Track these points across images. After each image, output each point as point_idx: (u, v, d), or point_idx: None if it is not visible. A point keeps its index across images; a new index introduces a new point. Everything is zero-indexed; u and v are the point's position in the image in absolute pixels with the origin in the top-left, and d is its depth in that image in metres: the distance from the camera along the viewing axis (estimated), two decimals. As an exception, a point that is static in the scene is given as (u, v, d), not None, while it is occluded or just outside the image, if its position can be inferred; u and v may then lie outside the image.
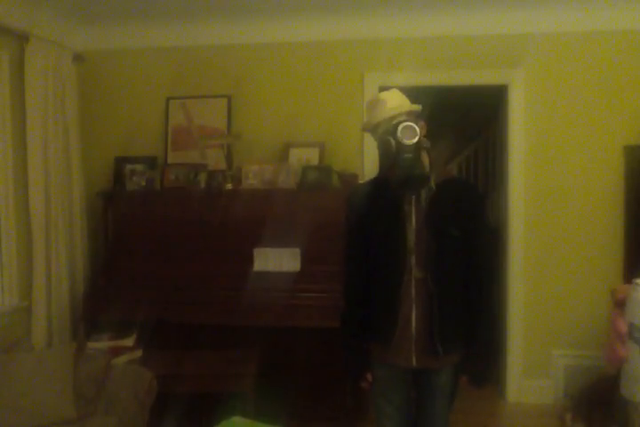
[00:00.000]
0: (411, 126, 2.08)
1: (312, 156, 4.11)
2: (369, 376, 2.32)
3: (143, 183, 4.09)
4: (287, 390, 3.49)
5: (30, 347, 3.30)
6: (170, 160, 4.30)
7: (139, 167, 4.19)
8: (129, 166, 4.18)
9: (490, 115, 5.30)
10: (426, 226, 2.15)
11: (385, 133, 2.12)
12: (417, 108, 2.22)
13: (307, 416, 3.53)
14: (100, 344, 3.48)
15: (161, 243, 3.87)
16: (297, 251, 3.72)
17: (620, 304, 2.95)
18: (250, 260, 3.73)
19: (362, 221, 2.25)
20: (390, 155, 2.11)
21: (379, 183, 2.27)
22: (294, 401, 3.46)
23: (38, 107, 3.65)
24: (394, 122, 2.11)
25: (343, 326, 2.35)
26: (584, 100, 4.07)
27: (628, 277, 3.90)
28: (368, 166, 4.08)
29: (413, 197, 2.17)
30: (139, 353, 3.52)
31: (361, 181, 3.71)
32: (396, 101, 2.19)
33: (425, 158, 2.19)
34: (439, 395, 2.28)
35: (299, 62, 4.26)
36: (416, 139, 2.09)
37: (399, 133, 2.07)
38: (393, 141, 2.08)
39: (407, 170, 2.08)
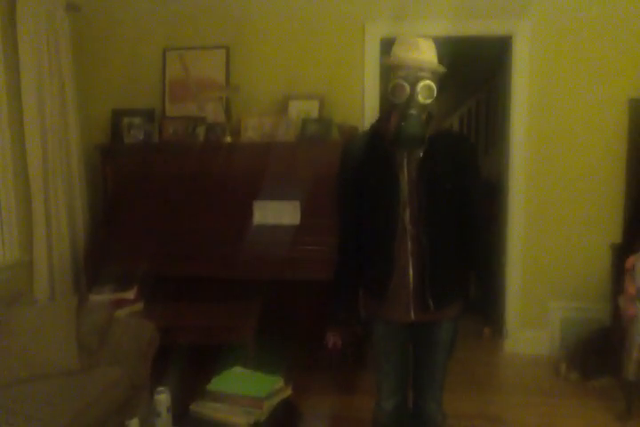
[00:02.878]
0: (431, 87, 2.05)
1: (312, 108, 4.06)
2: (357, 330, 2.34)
3: (141, 136, 4.06)
4: (287, 342, 3.54)
5: (33, 300, 3.33)
6: (168, 113, 4.25)
7: (136, 120, 4.14)
8: (126, 119, 4.13)
9: (493, 67, 5.21)
10: (419, 179, 2.12)
11: (402, 80, 2.06)
12: (443, 69, 2.14)
13: (306, 367, 3.60)
14: (102, 297, 3.51)
15: (160, 196, 3.86)
16: (297, 204, 3.71)
17: (629, 271, 3.32)
18: (250, 213, 3.73)
19: (355, 172, 2.21)
20: (396, 101, 2.07)
21: (374, 134, 2.23)
22: (294, 353, 3.53)
23: (32, 58, 3.57)
24: (417, 74, 2.05)
25: (336, 276, 2.34)
26: (590, 53, 3.99)
27: (628, 231, 3.93)
28: (368, 119, 4.03)
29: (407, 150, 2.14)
30: (140, 306, 3.56)
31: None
32: (428, 54, 2.11)
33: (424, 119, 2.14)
34: (438, 350, 2.29)
35: (298, 12, 4.15)
36: (430, 100, 2.06)
37: (418, 89, 2.03)
38: (408, 91, 2.04)
39: (407, 128, 2.04)
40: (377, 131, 2.22)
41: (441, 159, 2.13)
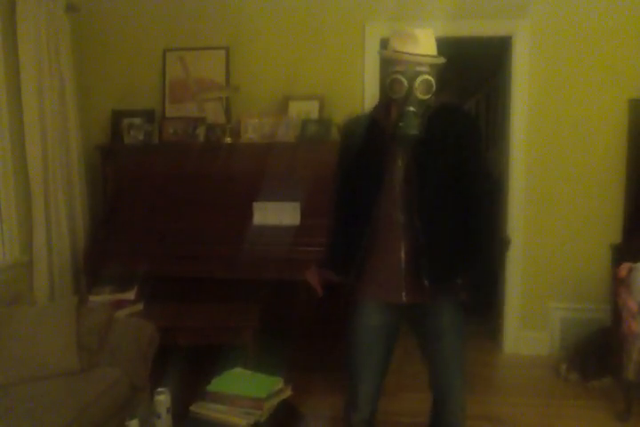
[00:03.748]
0: (429, 82, 2.00)
1: (312, 109, 4.06)
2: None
3: (141, 137, 4.06)
4: (287, 342, 3.54)
5: (32, 301, 3.33)
6: (168, 113, 4.24)
7: (136, 121, 4.14)
8: (127, 120, 4.13)
9: (493, 67, 5.20)
10: (413, 161, 2.06)
11: (400, 75, 2.00)
12: (442, 61, 2.08)
13: (307, 368, 3.59)
14: (102, 298, 3.51)
15: (160, 197, 3.86)
16: (297, 204, 3.71)
17: (621, 282, 3.23)
18: (250, 213, 3.73)
19: (353, 153, 2.17)
20: (394, 96, 2.03)
21: (373, 119, 2.18)
22: (294, 353, 3.52)
23: (32, 59, 3.56)
24: (415, 69, 2.00)
25: (327, 253, 2.34)
26: (590, 53, 3.99)
27: (628, 231, 3.93)
28: (368, 120, 4.02)
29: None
30: (140, 306, 3.56)
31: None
32: (427, 47, 2.04)
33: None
34: (445, 339, 2.21)
35: (298, 12, 4.15)
36: (429, 96, 2.02)
37: (416, 85, 1.99)
38: (406, 86, 1.99)
39: (405, 128, 1.99)
40: (375, 119, 2.17)
41: (437, 139, 2.06)
